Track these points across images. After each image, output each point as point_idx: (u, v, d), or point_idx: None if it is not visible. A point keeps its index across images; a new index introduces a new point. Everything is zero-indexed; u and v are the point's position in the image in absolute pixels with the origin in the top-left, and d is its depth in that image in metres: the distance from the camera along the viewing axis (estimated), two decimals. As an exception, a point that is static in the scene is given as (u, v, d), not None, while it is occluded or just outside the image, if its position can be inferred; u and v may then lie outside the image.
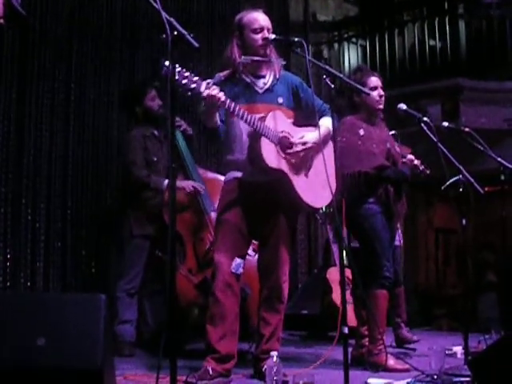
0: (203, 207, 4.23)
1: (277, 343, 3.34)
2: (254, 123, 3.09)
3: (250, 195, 3.26)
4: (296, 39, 3.06)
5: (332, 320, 4.51)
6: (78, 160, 4.94)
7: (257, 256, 3.51)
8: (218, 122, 3.18)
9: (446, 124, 3.99)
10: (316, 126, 3.24)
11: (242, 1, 6.21)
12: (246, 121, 3.08)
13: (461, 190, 3.79)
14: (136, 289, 4.29)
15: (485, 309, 6.28)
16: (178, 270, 3.97)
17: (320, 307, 5.33)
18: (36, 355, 2.28)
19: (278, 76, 3.36)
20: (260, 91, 3.32)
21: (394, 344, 4.68)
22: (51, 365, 2.28)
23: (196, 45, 2.30)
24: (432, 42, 7.18)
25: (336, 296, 5.07)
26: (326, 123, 3.31)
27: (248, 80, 3.32)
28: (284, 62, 3.39)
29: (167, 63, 2.47)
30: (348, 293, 3.98)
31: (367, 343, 3.71)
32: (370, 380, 3.19)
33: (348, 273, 4.36)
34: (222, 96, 2.97)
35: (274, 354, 2.76)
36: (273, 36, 3.23)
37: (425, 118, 3.77)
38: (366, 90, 3.50)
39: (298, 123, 3.36)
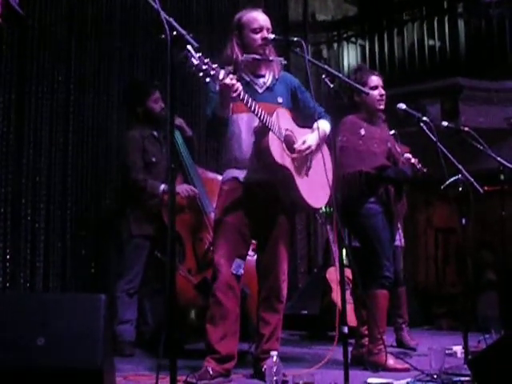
0: (202, 208, 4.23)
1: (276, 343, 3.34)
2: (264, 117, 3.09)
3: (250, 195, 3.26)
4: (295, 39, 3.07)
5: (332, 320, 4.52)
6: (77, 160, 4.95)
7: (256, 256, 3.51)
8: (230, 112, 3.18)
9: (445, 123, 3.99)
10: (312, 127, 3.26)
11: (242, 0, 6.21)
12: (257, 114, 3.08)
13: (460, 189, 3.79)
14: (136, 289, 4.29)
15: (484, 308, 6.27)
16: (178, 270, 3.97)
17: (320, 307, 5.33)
18: (36, 355, 2.28)
19: (277, 76, 3.36)
20: (260, 90, 3.32)
21: (394, 344, 4.68)
22: (51, 365, 2.28)
23: (195, 44, 2.31)
24: (431, 42, 7.18)
25: (336, 296, 5.07)
26: (323, 126, 3.32)
27: (248, 79, 3.32)
28: (285, 62, 3.39)
29: (190, 48, 2.48)
30: (348, 293, 3.99)
31: (367, 343, 3.71)
32: (369, 380, 3.19)
33: (348, 273, 4.36)
34: (239, 86, 2.98)
35: (274, 353, 2.76)
36: (272, 36, 3.23)
37: (424, 118, 3.77)
38: (365, 89, 3.50)
39: (297, 124, 3.36)
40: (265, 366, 3.01)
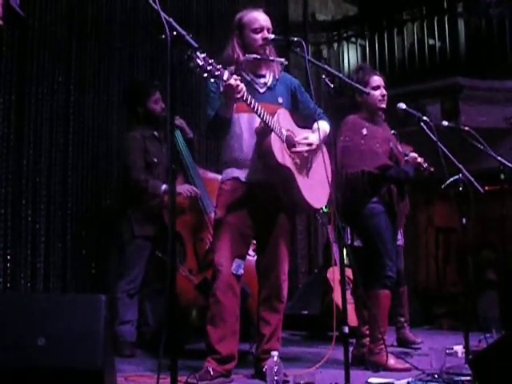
0: (203, 208, 4.23)
1: (277, 343, 3.34)
2: (266, 118, 3.09)
3: (251, 195, 3.26)
4: (295, 39, 3.07)
5: (332, 320, 4.52)
6: (77, 161, 4.94)
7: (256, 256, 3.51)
8: (233, 113, 3.18)
9: (445, 123, 3.99)
10: (312, 128, 3.26)
11: (242, 0, 6.21)
12: (259, 115, 3.08)
13: (461, 188, 3.79)
14: (136, 289, 4.29)
15: (485, 308, 6.27)
16: (178, 270, 3.97)
17: (320, 307, 5.33)
18: (36, 356, 2.28)
19: (277, 76, 3.37)
20: (261, 90, 3.33)
21: (395, 343, 4.68)
22: (52, 365, 2.28)
23: (195, 45, 2.31)
24: (431, 41, 7.17)
25: (336, 296, 5.07)
26: (323, 126, 3.33)
27: (249, 78, 3.32)
28: (286, 63, 3.39)
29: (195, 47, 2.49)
30: (348, 292, 3.99)
31: (368, 343, 3.71)
32: (370, 379, 3.19)
33: (348, 272, 4.36)
34: (243, 87, 2.98)
35: (275, 353, 2.77)
36: (272, 36, 3.24)
37: (424, 118, 3.77)
38: (365, 89, 3.50)
39: (296, 124, 3.37)
40: (265, 366, 3.01)
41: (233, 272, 3.20)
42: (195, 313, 4.01)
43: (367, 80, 3.78)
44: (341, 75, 3.10)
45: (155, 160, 4.34)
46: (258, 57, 3.26)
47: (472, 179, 3.80)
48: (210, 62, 2.80)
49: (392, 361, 3.56)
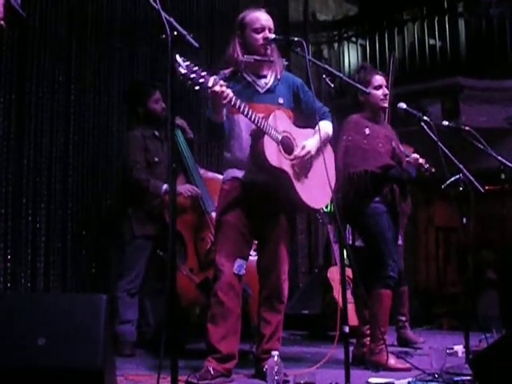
0: (204, 207, 4.23)
1: (277, 343, 3.34)
2: (258, 121, 3.08)
3: (250, 195, 3.26)
4: (296, 39, 3.06)
5: (333, 320, 4.52)
6: (78, 160, 4.94)
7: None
8: (224, 117, 3.16)
9: (446, 123, 3.98)
10: (315, 128, 3.24)
11: (242, 1, 6.21)
12: (250, 118, 3.07)
13: (461, 188, 3.79)
14: (137, 289, 4.29)
15: (485, 307, 6.27)
16: (180, 269, 3.97)
17: (321, 307, 5.33)
18: (37, 355, 2.28)
19: (279, 76, 3.36)
20: (261, 91, 3.32)
21: (395, 343, 4.68)
22: (52, 365, 2.28)
23: (196, 45, 2.30)
24: (432, 41, 7.18)
25: (337, 295, 5.07)
26: (325, 127, 3.31)
27: (249, 79, 3.32)
28: (286, 63, 3.39)
29: (178, 58, 2.48)
30: (349, 292, 3.99)
31: (368, 342, 3.71)
32: (371, 379, 3.19)
33: (349, 272, 4.36)
34: (229, 92, 2.97)
35: (275, 353, 2.76)
36: (273, 36, 3.23)
37: (425, 117, 3.77)
38: (366, 89, 3.50)
39: (298, 124, 3.36)
40: (266, 366, 3.01)
41: (234, 272, 3.20)
42: (196, 311, 4.00)
43: (369, 79, 3.78)
44: (342, 75, 3.09)
45: (156, 159, 4.34)
46: (257, 58, 3.25)
47: (472, 179, 3.80)
48: (194, 69, 2.79)
49: (392, 361, 3.56)
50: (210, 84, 2.88)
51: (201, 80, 2.84)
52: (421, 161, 3.90)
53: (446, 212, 8.36)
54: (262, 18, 3.29)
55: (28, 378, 2.28)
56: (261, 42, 3.24)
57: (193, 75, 2.79)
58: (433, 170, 3.98)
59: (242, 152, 3.25)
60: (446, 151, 3.69)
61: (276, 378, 2.70)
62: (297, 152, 3.22)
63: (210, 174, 4.48)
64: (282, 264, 3.33)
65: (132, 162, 4.30)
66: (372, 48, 7.56)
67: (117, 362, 2.67)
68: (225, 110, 3.15)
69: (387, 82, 3.89)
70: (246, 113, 3.06)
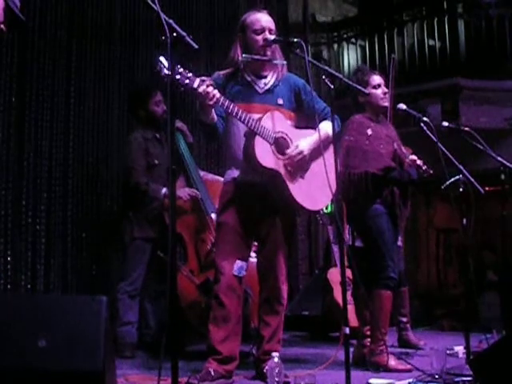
0: (204, 209, 4.23)
1: (277, 344, 3.34)
2: (248, 121, 3.08)
3: (247, 196, 3.25)
4: (295, 40, 3.06)
5: (333, 321, 4.51)
6: (78, 162, 4.95)
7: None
8: (215, 118, 3.15)
9: (445, 124, 3.98)
10: (316, 128, 3.23)
11: (242, 2, 6.22)
12: (240, 119, 3.07)
13: (461, 189, 3.79)
14: (137, 291, 4.30)
15: (486, 308, 6.26)
16: (180, 270, 3.98)
17: (321, 308, 5.33)
18: (37, 357, 2.28)
19: (280, 77, 3.36)
20: (260, 91, 3.32)
21: (395, 344, 4.67)
22: (52, 367, 2.28)
23: (195, 46, 2.31)
24: (431, 42, 7.17)
25: (337, 297, 5.07)
26: (325, 128, 3.29)
27: (249, 79, 3.32)
28: (285, 63, 3.38)
29: (162, 59, 2.48)
30: (349, 293, 3.99)
31: (369, 343, 3.71)
32: (371, 380, 3.19)
33: (349, 273, 4.36)
34: (216, 93, 2.96)
35: (276, 355, 2.77)
36: (272, 37, 3.23)
37: (424, 118, 3.77)
38: (364, 89, 3.51)
39: (300, 125, 3.35)
40: (266, 367, 3.01)
41: (234, 274, 3.20)
42: (203, 306, 3.97)
43: (367, 80, 3.79)
44: (341, 76, 3.09)
45: (156, 162, 4.35)
46: (255, 57, 3.25)
47: (472, 180, 3.79)
48: (179, 71, 2.79)
49: (393, 361, 3.56)
50: (195, 85, 2.88)
51: (186, 81, 2.84)
52: (419, 162, 3.90)
53: (446, 213, 8.34)
54: (262, 19, 3.29)
55: (28, 380, 2.28)
56: (261, 43, 3.24)
57: (178, 76, 2.79)
58: (431, 171, 3.98)
59: (241, 151, 3.25)
60: (446, 152, 3.69)
61: (276, 379, 2.70)
62: (289, 151, 3.21)
63: (210, 177, 4.50)
64: (280, 266, 3.33)
65: (132, 164, 4.31)
66: (371, 49, 7.55)
67: (117, 364, 2.66)
68: (217, 111, 3.14)
69: (386, 83, 3.90)
70: (235, 113, 3.06)
